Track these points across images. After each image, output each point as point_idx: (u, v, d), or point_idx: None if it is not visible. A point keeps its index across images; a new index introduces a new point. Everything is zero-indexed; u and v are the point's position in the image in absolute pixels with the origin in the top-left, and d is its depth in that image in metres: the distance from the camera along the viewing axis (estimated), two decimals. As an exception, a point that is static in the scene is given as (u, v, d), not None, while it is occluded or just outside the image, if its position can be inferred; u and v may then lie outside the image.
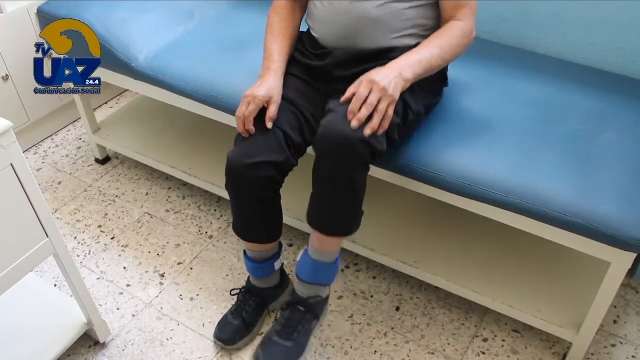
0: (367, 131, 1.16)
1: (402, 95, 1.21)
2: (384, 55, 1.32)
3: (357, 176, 1.21)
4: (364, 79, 1.19)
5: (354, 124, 1.15)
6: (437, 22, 1.35)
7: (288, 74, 1.39)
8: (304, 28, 1.48)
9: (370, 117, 1.16)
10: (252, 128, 1.29)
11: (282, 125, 1.30)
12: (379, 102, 1.16)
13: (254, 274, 1.51)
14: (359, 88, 1.18)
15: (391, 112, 1.18)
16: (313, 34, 1.42)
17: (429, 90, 1.36)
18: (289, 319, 1.41)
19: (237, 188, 1.33)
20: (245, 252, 1.48)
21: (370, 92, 1.16)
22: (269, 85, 1.31)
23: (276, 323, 1.43)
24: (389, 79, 1.17)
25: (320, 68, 1.39)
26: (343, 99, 1.20)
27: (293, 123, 1.33)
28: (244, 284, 1.58)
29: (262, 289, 1.54)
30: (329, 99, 1.29)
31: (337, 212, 1.28)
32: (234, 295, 1.61)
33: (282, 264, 1.55)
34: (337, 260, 1.39)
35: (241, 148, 1.30)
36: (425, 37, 1.33)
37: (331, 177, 1.22)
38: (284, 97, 1.34)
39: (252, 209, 1.36)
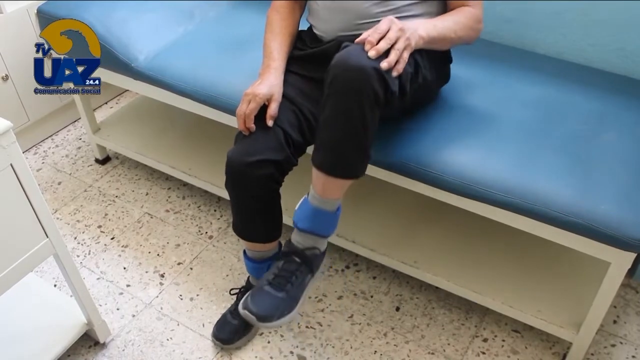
0: (384, 64, 1.10)
1: (413, 55, 1.19)
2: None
3: (368, 112, 1.13)
4: (383, 19, 1.14)
5: (372, 53, 1.10)
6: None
7: (288, 72, 1.39)
8: (304, 26, 1.48)
9: (386, 54, 1.12)
10: (252, 126, 1.29)
11: (282, 124, 1.30)
12: (396, 40, 1.12)
13: (254, 274, 1.51)
14: (382, 23, 1.13)
15: (406, 56, 1.13)
16: (315, 31, 1.42)
17: (434, 67, 1.35)
18: (283, 269, 1.29)
19: (236, 186, 1.33)
20: (245, 251, 1.48)
21: (389, 29, 1.12)
22: (269, 83, 1.31)
23: (268, 272, 1.32)
24: (409, 29, 1.14)
25: (322, 52, 1.37)
26: (358, 39, 1.14)
27: (293, 121, 1.33)
28: (244, 284, 1.58)
29: None
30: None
31: (345, 149, 1.19)
32: (233, 294, 1.61)
33: None
34: (338, 209, 1.30)
35: (241, 146, 1.30)
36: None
37: (342, 108, 1.14)
38: (283, 95, 1.34)
39: (251, 208, 1.36)
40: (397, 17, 1.29)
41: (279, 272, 1.29)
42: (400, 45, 1.12)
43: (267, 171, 1.28)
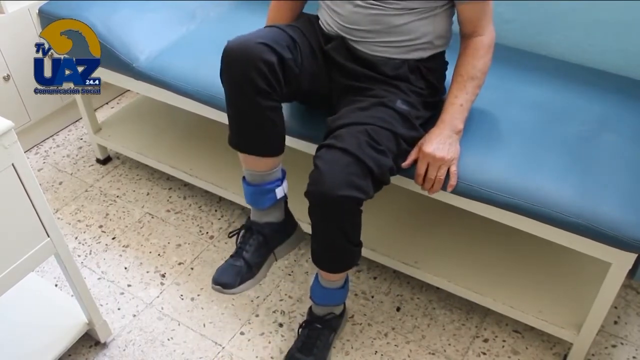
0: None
1: (394, 129, 1.25)
2: (376, 69, 1.33)
3: (347, 224, 1.26)
4: (425, 155, 1.27)
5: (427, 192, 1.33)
6: (434, 36, 1.33)
7: (297, 29, 1.34)
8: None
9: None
10: None
11: (287, 39, 1.28)
12: (427, 170, 1.29)
13: (253, 202, 1.37)
14: (420, 164, 1.29)
15: (443, 172, 1.28)
16: (320, 23, 1.42)
17: (426, 106, 1.36)
18: (308, 336, 1.47)
19: (232, 75, 1.23)
20: (243, 178, 1.36)
21: (428, 166, 1.28)
22: None
23: (297, 340, 1.49)
24: (445, 149, 1.27)
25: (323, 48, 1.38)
26: (404, 165, 1.30)
27: (291, 47, 1.28)
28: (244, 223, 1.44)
29: (263, 224, 1.38)
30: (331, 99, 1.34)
31: (332, 255, 1.35)
32: (232, 236, 1.44)
33: (286, 199, 1.41)
34: (345, 283, 1.45)
35: (241, 37, 1.24)
36: (420, 50, 1.33)
37: (322, 228, 1.29)
38: (290, 36, 1.29)
39: (249, 110, 1.25)
40: (388, 33, 1.30)
41: (305, 339, 1.47)
42: (432, 174, 1.28)
43: (268, 57, 1.20)
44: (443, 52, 1.40)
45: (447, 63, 1.42)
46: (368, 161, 1.19)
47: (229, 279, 1.33)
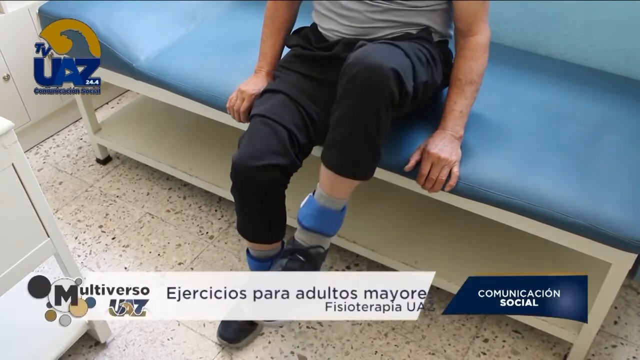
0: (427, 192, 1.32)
1: (409, 56, 1.21)
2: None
3: (383, 113, 1.14)
4: (429, 155, 1.27)
5: (429, 192, 1.32)
6: (441, 27, 1.36)
7: (290, 71, 1.40)
8: (309, 22, 1.47)
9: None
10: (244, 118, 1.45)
11: (287, 125, 1.30)
12: (430, 170, 1.28)
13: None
14: (424, 164, 1.28)
15: (445, 172, 1.27)
16: (320, 29, 1.42)
17: (443, 71, 1.37)
18: (287, 267, 1.30)
19: (243, 191, 1.33)
20: (248, 250, 1.48)
21: (432, 166, 1.28)
22: (258, 85, 1.43)
23: (269, 273, 1.35)
24: (449, 151, 1.27)
25: (328, 56, 1.37)
26: (407, 168, 1.32)
27: (298, 123, 1.32)
28: None
29: None
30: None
31: (357, 150, 1.20)
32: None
33: None
34: (343, 209, 1.31)
35: (246, 150, 1.30)
36: (429, 40, 1.34)
37: (357, 107, 1.15)
38: (287, 95, 1.34)
39: (257, 210, 1.36)
40: (398, 27, 1.31)
41: (283, 271, 1.30)
42: (434, 174, 1.27)
43: (273, 176, 1.28)
44: (448, 41, 1.42)
45: (452, 53, 1.42)
46: (412, 56, 1.19)
47: (232, 334, 1.52)
